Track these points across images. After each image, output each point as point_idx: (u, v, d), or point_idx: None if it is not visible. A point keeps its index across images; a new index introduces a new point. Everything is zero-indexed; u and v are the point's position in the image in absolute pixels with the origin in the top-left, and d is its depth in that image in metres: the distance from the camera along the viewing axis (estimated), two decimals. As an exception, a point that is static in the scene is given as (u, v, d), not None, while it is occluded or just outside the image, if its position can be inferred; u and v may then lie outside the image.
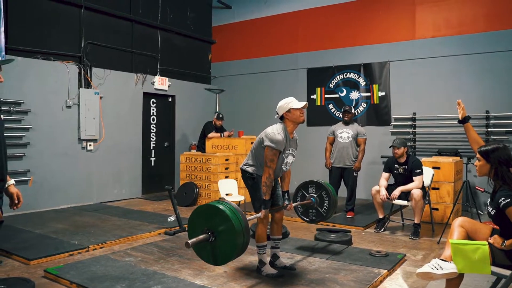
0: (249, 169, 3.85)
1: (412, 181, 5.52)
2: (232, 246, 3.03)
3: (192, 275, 3.91)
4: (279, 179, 4.08)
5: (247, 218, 3.23)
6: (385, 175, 5.81)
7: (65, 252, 4.56)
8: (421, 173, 5.51)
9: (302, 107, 3.73)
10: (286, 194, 4.06)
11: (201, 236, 3.03)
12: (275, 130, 3.69)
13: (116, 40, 8.37)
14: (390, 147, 5.77)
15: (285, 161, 3.82)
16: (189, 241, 2.98)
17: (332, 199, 4.41)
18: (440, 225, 5.87)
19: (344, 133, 6.57)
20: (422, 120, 7.89)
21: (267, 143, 3.65)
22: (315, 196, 4.47)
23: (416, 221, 5.48)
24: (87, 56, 7.72)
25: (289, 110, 3.74)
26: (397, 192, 5.45)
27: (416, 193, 5.35)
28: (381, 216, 5.80)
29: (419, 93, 7.92)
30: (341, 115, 7.70)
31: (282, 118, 3.82)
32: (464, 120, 3.54)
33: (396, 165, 5.73)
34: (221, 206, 3.08)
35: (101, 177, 7.93)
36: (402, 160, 5.66)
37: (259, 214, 3.67)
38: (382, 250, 4.67)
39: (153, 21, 9.08)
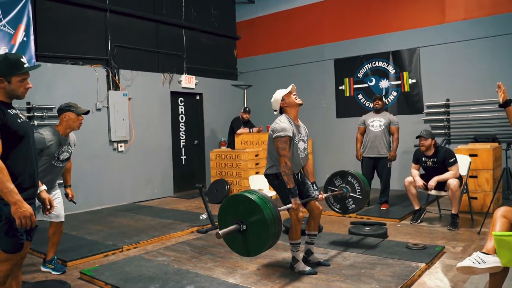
0: (271, 171, 3.78)
1: (444, 172, 5.31)
2: (264, 236, 2.98)
3: (225, 273, 3.88)
4: (305, 173, 3.99)
5: (279, 209, 3.18)
6: (415, 166, 5.62)
7: (100, 253, 4.63)
8: (455, 162, 5.28)
9: (290, 90, 3.81)
10: (313, 185, 3.98)
11: (231, 227, 3.00)
12: (277, 121, 3.73)
13: (141, 41, 8.44)
14: (416, 137, 5.56)
15: (298, 148, 3.75)
16: (220, 232, 2.94)
17: (360, 178, 4.32)
18: (479, 215, 5.65)
19: (376, 122, 6.41)
20: (456, 106, 7.60)
21: (275, 135, 3.64)
22: (344, 185, 4.37)
23: (454, 212, 5.28)
24: (114, 58, 7.82)
25: (282, 99, 3.79)
26: (433, 182, 5.25)
27: (453, 183, 5.15)
28: (417, 208, 5.62)
29: (451, 78, 7.64)
30: (371, 105, 7.52)
31: (281, 112, 3.85)
32: (505, 104, 3.37)
33: (424, 158, 5.50)
34: (251, 196, 3.03)
35: (133, 178, 8.03)
36: (430, 152, 5.42)
37: (290, 205, 3.60)
38: (419, 242, 4.52)
39: (177, 20, 9.11)
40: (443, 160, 5.32)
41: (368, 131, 6.46)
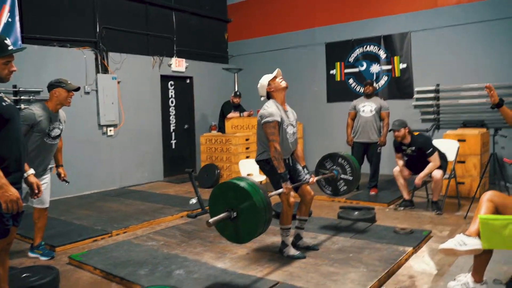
0: (262, 157, 3.78)
1: (425, 159, 5.31)
2: (255, 223, 3.00)
3: (214, 258, 3.90)
4: (296, 157, 3.99)
5: (269, 194, 3.18)
6: (398, 155, 5.64)
7: (88, 238, 4.62)
8: (433, 151, 5.29)
9: (276, 75, 3.82)
10: (304, 169, 3.99)
11: (222, 215, 3.01)
12: (265, 107, 3.74)
13: (131, 23, 8.31)
14: (389, 130, 5.59)
15: (287, 133, 3.75)
16: (210, 220, 2.95)
17: (350, 160, 4.36)
18: (466, 200, 5.71)
19: (367, 107, 6.41)
20: (446, 91, 7.61)
21: (263, 121, 3.65)
22: (335, 167, 4.39)
23: (434, 199, 5.40)
24: (103, 41, 7.69)
25: (268, 84, 3.81)
26: (419, 180, 5.31)
27: (437, 175, 5.24)
28: (407, 198, 5.63)
29: (442, 64, 7.63)
30: (362, 90, 7.51)
31: (268, 97, 3.86)
32: (498, 105, 3.36)
33: (402, 147, 5.52)
34: (241, 183, 3.03)
35: (122, 162, 7.99)
36: (407, 141, 5.43)
37: (281, 190, 3.61)
38: (406, 227, 4.58)
39: (167, 2, 8.96)
40: (420, 149, 5.34)
41: (359, 116, 6.45)
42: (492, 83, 6.95)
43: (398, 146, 5.57)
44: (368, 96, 6.47)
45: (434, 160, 5.28)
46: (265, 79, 3.83)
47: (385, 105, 6.44)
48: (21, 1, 6.51)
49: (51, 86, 3.92)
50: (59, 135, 4.03)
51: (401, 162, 5.59)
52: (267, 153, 3.70)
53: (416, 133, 5.62)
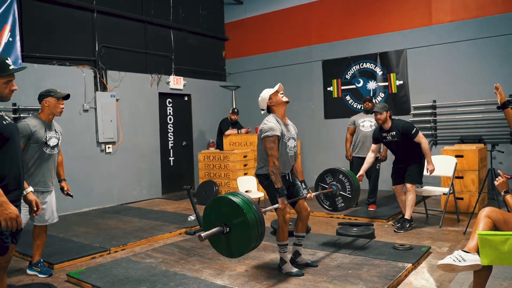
0: (262, 171, 3.80)
1: (407, 145, 5.27)
2: (247, 238, 3.02)
3: (213, 275, 3.88)
4: (294, 172, 4.00)
5: (264, 210, 3.19)
6: (373, 146, 5.58)
7: (87, 256, 4.59)
8: (417, 132, 5.22)
9: (277, 89, 3.84)
10: (302, 184, 4.00)
11: (214, 229, 3.03)
12: (265, 121, 3.75)
13: (129, 42, 8.39)
14: (371, 113, 5.58)
15: (288, 146, 3.77)
16: (202, 234, 2.96)
17: (351, 178, 4.35)
18: (465, 215, 5.72)
19: (367, 122, 6.47)
20: (442, 107, 7.69)
21: (262, 135, 3.67)
22: (335, 183, 4.40)
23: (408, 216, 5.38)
24: (102, 59, 7.77)
25: (270, 98, 3.84)
26: (431, 166, 5.24)
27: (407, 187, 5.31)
28: (407, 217, 5.36)
29: (438, 80, 7.72)
30: (359, 106, 7.57)
31: (269, 111, 3.88)
32: (504, 106, 3.39)
33: (383, 134, 5.44)
34: (234, 198, 3.05)
35: (121, 179, 7.99)
36: (387, 126, 5.36)
37: (277, 205, 3.61)
38: (406, 243, 4.57)
39: (165, 21, 9.08)
40: (402, 134, 5.25)
41: (359, 131, 6.51)
42: (488, 99, 7.06)
43: (378, 136, 5.49)
44: (368, 111, 6.53)
45: (421, 138, 5.22)
46: (266, 93, 3.87)
47: None
48: (21, 21, 6.60)
49: (41, 97, 4.00)
50: (57, 145, 4.05)
51: (370, 157, 5.52)
52: (267, 168, 3.71)
53: (396, 118, 5.54)
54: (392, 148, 5.52)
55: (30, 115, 6.38)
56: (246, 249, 3.08)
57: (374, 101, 6.76)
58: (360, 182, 5.29)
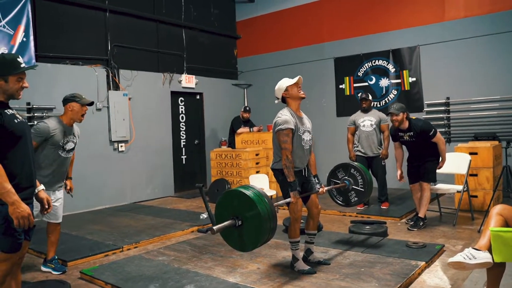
0: (277, 166, 3.76)
1: (424, 145, 5.17)
2: (259, 231, 3.00)
3: (225, 272, 3.88)
4: (309, 167, 3.96)
5: (276, 204, 3.18)
6: (396, 144, 5.51)
7: (100, 253, 4.63)
8: (435, 132, 5.11)
9: (296, 82, 3.76)
10: (315, 178, 3.97)
11: (226, 222, 3.02)
12: (279, 114, 3.70)
13: (141, 41, 8.44)
14: (387, 114, 5.53)
15: (303, 140, 3.73)
16: (214, 227, 2.96)
17: (362, 171, 4.30)
18: (480, 213, 5.64)
19: (367, 121, 6.36)
20: (456, 104, 7.59)
21: (276, 128, 3.63)
22: (347, 177, 4.37)
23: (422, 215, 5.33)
24: (114, 58, 7.82)
25: (286, 89, 3.76)
26: (442, 163, 5.24)
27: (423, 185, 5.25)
28: (421, 215, 5.29)
29: (452, 76, 7.62)
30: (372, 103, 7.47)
31: (284, 101, 3.82)
32: None
33: (400, 133, 5.32)
34: (246, 192, 3.04)
35: (133, 178, 8.04)
36: (404, 126, 5.23)
37: (289, 199, 3.60)
38: (419, 241, 4.52)
39: (177, 20, 9.11)
40: (420, 133, 5.13)
41: (360, 131, 6.39)
42: (502, 95, 6.96)
43: (395, 134, 5.38)
44: (365, 110, 6.44)
45: (439, 139, 5.14)
46: (284, 83, 3.78)
47: (384, 117, 6.36)
48: (35, 21, 6.67)
49: (66, 101, 4.01)
50: (73, 149, 4.09)
51: (399, 151, 5.49)
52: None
53: (413, 118, 5.40)
54: (409, 147, 5.43)
55: (45, 116, 6.50)
56: (258, 242, 3.07)
57: (370, 98, 6.55)
58: (402, 181, 5.37)
